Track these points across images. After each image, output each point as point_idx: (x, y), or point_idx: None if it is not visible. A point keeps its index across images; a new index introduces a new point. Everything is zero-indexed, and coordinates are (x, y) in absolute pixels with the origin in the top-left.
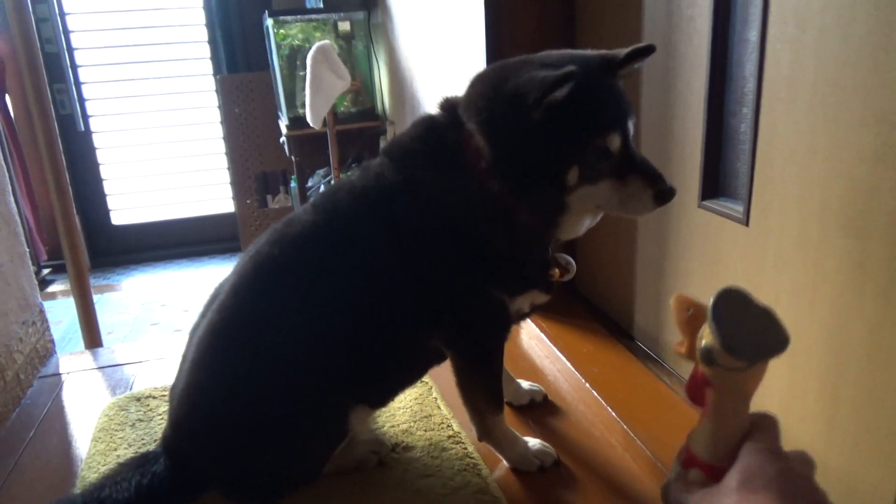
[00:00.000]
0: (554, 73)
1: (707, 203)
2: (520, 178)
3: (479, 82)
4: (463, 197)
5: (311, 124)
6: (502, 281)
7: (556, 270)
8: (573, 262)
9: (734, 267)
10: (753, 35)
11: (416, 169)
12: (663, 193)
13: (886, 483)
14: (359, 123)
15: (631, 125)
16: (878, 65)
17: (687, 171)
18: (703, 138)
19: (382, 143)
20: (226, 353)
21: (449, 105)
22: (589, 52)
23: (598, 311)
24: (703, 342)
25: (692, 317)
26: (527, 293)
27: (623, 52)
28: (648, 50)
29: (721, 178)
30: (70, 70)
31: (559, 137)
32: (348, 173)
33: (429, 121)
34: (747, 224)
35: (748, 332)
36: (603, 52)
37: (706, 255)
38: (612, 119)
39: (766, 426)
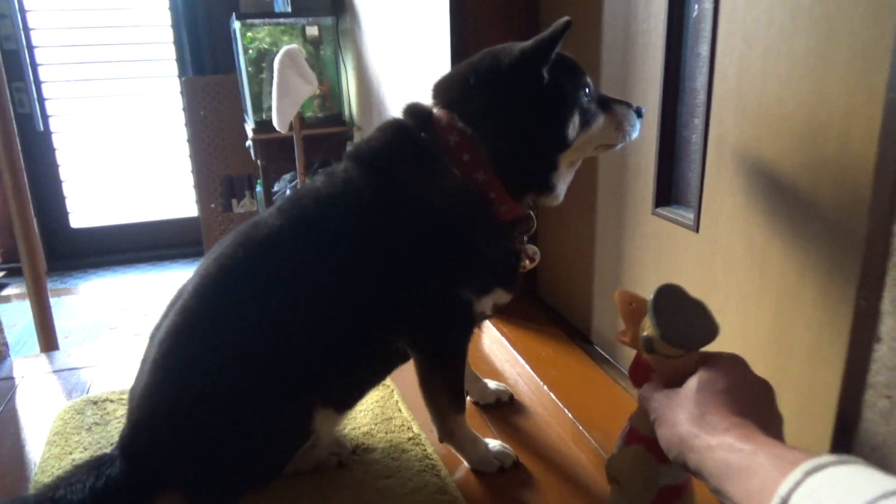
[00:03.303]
0: (546, 31)
1: (660, 210)
2: (518, 149)
3: (453, 80)
4: (441, 196)
5: (277, 128)
6: (472, 280)
7: (526, 262)
8: (538, 251)
9: (686, 272)
10: (704, 49)
11: (388, 172)
12: (639, 109)
13: None
14: (325, 128)
15: None
16: (818, 79)
17: (642, 179)
18: (656, 148)
19: (349, 149)
20: (188, 353)
21: (416, 109)
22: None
23: (558, 315)
24: (645, 333)
25: (634, 310)
26: (492, 292)
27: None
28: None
29: (673, 187)
30: (30, 68)
31: (561, 87)
32: (314, 178)
33: (397, 124)
34: (697, 231)
35: (683, 323)
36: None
37: (660, 261)
38: (580, 66)
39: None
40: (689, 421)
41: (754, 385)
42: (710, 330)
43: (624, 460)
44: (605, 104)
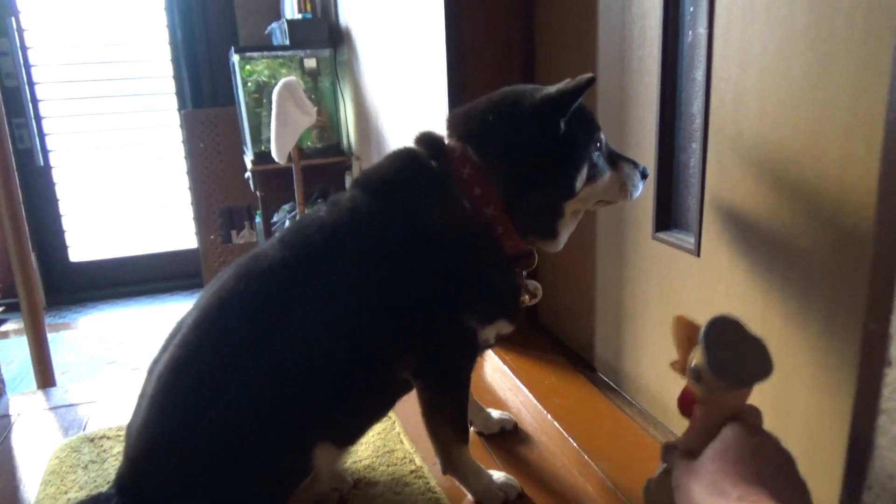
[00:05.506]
0: (570, 83)
1: (660, 235)
2: (527, 192)
3: (471, 114)
4: (449, 226)
5: (276, 159)
6: (477, 309)
7: (527, 296)
8: (540, 287)
9: (688, 297)
10: (700, 74)
11: (397, 199)
12: (645, 170)
13: (832, 499)
14: (324, 159)
15: None
16: (816, 102)
17: (641, 203)
18: (655, 173)
19: (348, 179)
20: (187, 388)
21: (428, 138)
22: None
23: (561, 343)
24: (693, 362)
25: (688, 338)
26: (496, 322)
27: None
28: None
29: (673, 211)
30: (30, 104)
31: (575, 138)
32: (314, 208)
33: (408, 152)
34: (699, 255)
35: (736, 358)
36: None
37: (662, 287)
38: (596, 120)
39: (747, 411)
40: (702, 491)
41: (771, 455)
42: (762, 369)
43: (664, 488)
44: (614, 160)
